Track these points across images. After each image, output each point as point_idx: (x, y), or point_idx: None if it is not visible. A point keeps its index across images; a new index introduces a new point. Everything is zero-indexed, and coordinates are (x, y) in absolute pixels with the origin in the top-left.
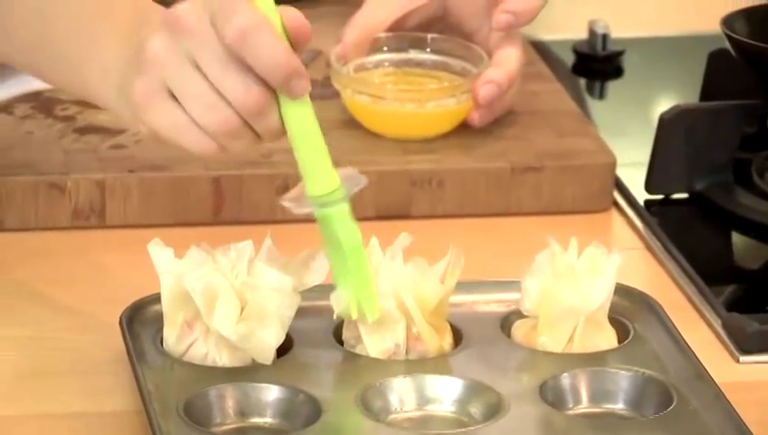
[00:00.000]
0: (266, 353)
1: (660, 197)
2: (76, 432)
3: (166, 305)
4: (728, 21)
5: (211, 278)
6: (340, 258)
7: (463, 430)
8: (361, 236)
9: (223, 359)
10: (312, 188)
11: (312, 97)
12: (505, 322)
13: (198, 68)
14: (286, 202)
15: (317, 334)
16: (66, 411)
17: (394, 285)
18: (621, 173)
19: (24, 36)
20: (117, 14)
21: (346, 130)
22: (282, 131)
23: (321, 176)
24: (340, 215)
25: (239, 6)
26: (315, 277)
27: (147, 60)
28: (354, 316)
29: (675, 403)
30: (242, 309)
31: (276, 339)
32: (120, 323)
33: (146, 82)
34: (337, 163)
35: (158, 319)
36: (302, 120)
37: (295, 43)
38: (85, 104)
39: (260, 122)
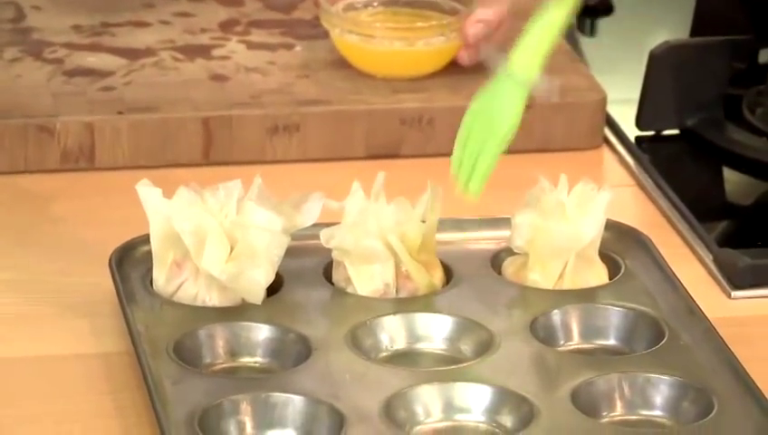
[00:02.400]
0: (256, 293)
1: (651, 133)
2: (67, 374)
3: (155, 246)
4: None
5: (200, 218)
6: (483, 131)
7: (453, 366)
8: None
9: (213, 299)
10: (520, 63)
11: (301, 37)
12: (496, 259)
13: None
14: (486, 53)
15: (307, 274)
16: (57, 353)
17: (379, 225)
18: (612, 110)
19: None
20: None
21: (335, 69)
22: None
23: (528, 60)
24: (517, 95)
25: None
26: (307, 219)
27: None
28: (456, 179)
29: (666, 339)
30: (231, 249)
31: (266, 278)
32: (110, 264)
33: None
34: (326, 102)
35: (148, 260)
36: (550, 17)
37: None
38: (74, 46)
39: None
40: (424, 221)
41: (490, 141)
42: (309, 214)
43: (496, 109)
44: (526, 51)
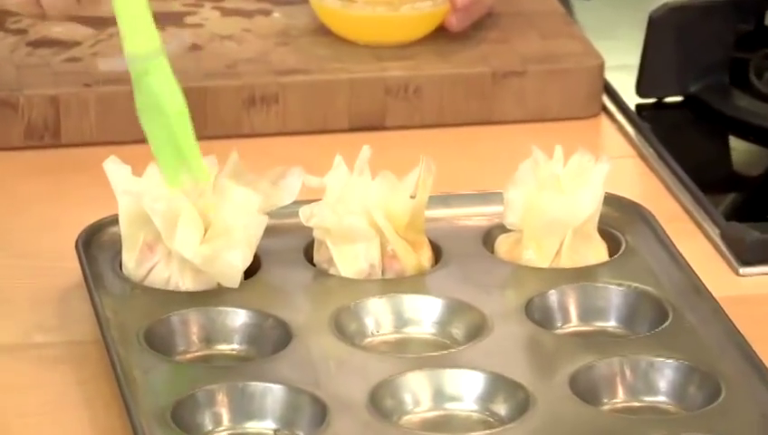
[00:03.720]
0: (232, 276)
1: (652, 101)
2: (32, 364)
3: (124, 227)
4: None
5: (172, 198)
6: (161, 124)
7: (445, 352)
8: (185, 101)
9: (186, 283)
10: (130, 45)
11: (279, 2)
12: (488, 236)
13: None
14: (101, 61)
15: (286, 254)
16: (20, 342)
17: (363, 201)
18: (610, 77)
19: None
20: None
21: (315, 36)
22: None
23: (141, 32)
24: (161, 71)
25: None
26: (286, 196)
27: None
28: (176, 184)
29: (670, 319)
30: (206, 230)
31: (243, 261)
32: (77, 246)
33: None
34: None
35: (117, 242)
36: None
37: None
38: (38, 16)
39: None
40: (413, 197)
41: (175, 127)
42: (288, 191)
43: (155, 96)
44: (131, 30)
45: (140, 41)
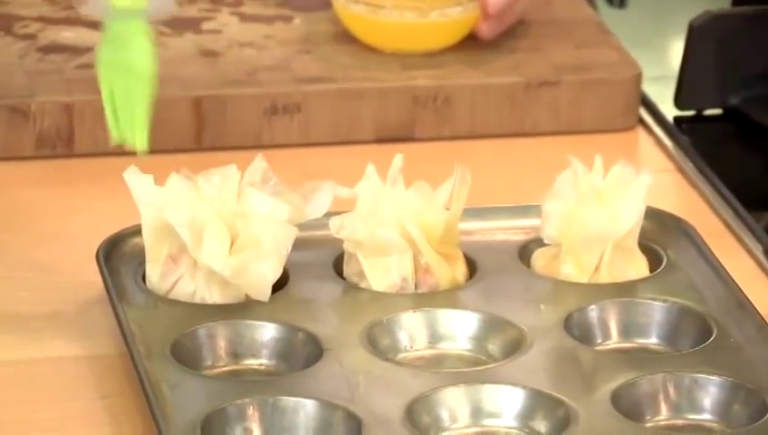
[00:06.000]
0: (262, 288)
1: (691, 113)
2: (53, 378)
3: (147, 240)
4: None
5: (196, 208)
6: (123, 82)
7: (481, 368)
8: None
9: (213, 296)
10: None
11: (300, 8)
12: (524, 250)
13: None
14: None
15: (315, 267)
16: (41, 356)
17: (396, 213)
18: (647, 88)
19: None
20: None
21: (339, 44)
22: None
23: None
24: (138, 31)
25: None
26: (316, 210)
27: None
28: (116, 142)
29: (714, 336)
30: (233, 241)
31: (273, 272)
32: (97, 258)
33: None
34: (329, 79)
35: (139, 253)
36: None
37: None
38: (48, 20)
39: None
40: (447, 209)
41: (135, 86)
42: (318, 205)
43: (126, 51)
44: None
45: None
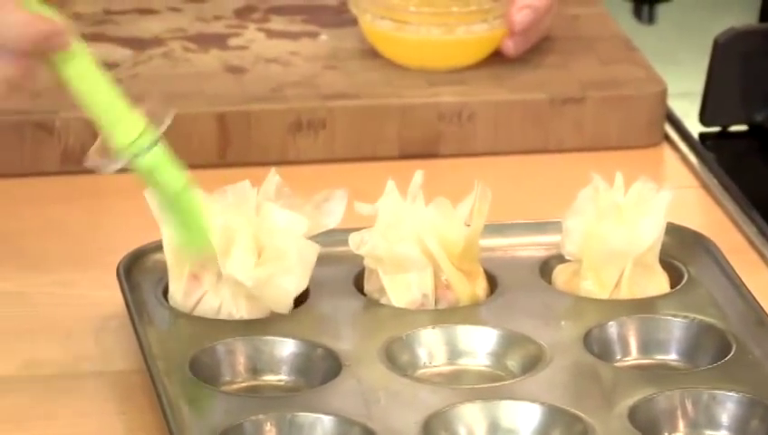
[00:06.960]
0: (284, 302)
1: (716, 129)
2: (72, 394)
3: (169, 258)
4: None
5: (229, 216)
6: (171, 205)
7: (498, 383)
8: (185, 176)
9: (240, 310)
10: (119, 139)
11: (326, 24)
12: (545, 267)
13: None
14: (92, 163)
15: (335, 283)
16: (60, 372)
17: (416, 229)
18: (673, 104)
19: None
20: None
21: (364, 60)
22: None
23: (124, 123)
24: (157, 159)
25: None
26: (330, 220)
27: None
28: (193, 259)
29: (733, 352)
30: (259, 253)
31: (296, 286)
32: (118, 273)
33: None
34: (355, 95)
35: (159, 269)
36: (83, 73)
37: None
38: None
39: (29, 84)
40: (468, 225)
41: (186, 207)
42: (332, 215)
43: (159, 179)
44: (112, 120)
45: (126, 131)
